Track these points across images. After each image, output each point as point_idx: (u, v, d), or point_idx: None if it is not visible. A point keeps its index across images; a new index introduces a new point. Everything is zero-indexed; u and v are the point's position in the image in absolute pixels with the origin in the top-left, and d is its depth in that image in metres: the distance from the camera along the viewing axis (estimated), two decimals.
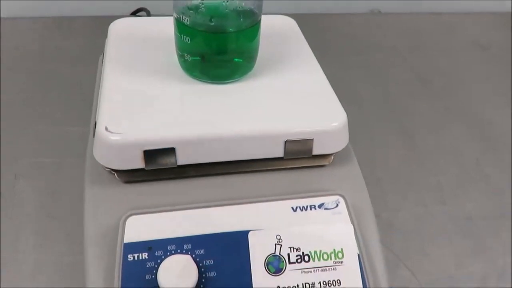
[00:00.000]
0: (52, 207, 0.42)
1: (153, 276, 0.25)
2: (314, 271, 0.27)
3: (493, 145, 0.55)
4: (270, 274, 0.27)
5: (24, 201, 0.43)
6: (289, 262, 0.27)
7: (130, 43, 0.35)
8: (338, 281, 0.27)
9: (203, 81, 0.32)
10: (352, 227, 0.28)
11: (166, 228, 0.27)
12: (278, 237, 0.27)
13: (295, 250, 0.27)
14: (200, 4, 0.30)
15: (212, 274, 0.26)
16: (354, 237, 0.28)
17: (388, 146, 0.53)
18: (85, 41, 0.63)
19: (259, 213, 0.28)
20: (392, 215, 0.45)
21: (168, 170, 0.29)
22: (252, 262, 0.27)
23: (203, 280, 0.26)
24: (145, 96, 0.30)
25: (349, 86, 0.61)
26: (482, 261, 0.42)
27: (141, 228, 0.27)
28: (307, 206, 0.29)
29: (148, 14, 0.54)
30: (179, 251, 0.26)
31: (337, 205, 0.29)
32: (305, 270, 0.27)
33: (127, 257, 0.26)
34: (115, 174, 0.29)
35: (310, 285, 0.27)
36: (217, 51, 0.31)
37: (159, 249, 0.26)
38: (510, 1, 0.81)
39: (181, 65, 0.33)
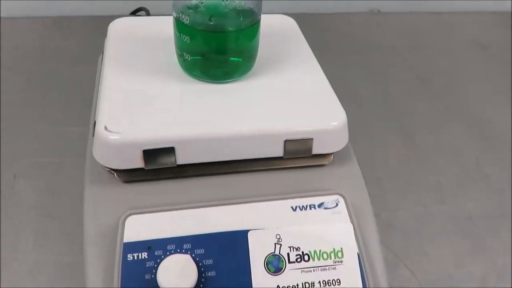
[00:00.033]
0: (52, 207, 0.42)
1: (152, 276, 0.25)
2: (313, 270, 0.27)
3: (493, 145, 0.55)
4: (270, 274, 0.26)
5: (24, 201, 0.43)
6: (289, 262, 0.27)
7: (130, 43, 0.35)
8: (338, 281, 0.27)
9: (203, 81, 0.32)
10: (352, 226, 0.28)
11: (165, 227, 0.27)
12: (278, 237, 0.27)
13: (294, 249, 0.27)
14: (200, 4, 0.30)
15: (211, 273, 0.26)
16: (353, 237, 0.28)
17: (387, 146, 0.53)
18: (85, 41, 0.63)
19: (259, 212, 0.28)
20: (392, 215, 0.45)
21: (167, 169, 0.29)
22: (252, 261, 0.27)
23: (202, 280, 0.26)
24: (144, 95, 0.30)
25: (348, 85, 0.61)
26: (481, 260, 0.42)
27: (141, 227, 0.27)
28: (306, 206, 0.29)
29: (148, 13, 0.54)
30: (178, 250, 0.26)
31: (337, 204, 0.29)
32: (305, 269, 0.27)
33: (127, 257, 0.26)
34: (115, 174, 0.29)
35: (310, 285, 0.27)
36: (216, 50, 0.31)
37: (159, 248, 0.26)
38: (510, 1, 0.81)
39: (180, 64, 0.33)
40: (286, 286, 0.26)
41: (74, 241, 0.39)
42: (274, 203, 0.29)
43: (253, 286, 0.26)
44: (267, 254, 0.27)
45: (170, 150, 0.28)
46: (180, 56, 0.32)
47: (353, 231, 0.28)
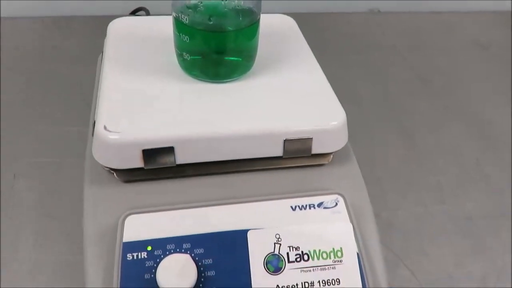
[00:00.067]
0: (52, 207, 0.42)
1: (152, 276, 0.25)
2: (313, 270, 0.27)
3: (493, 145, 0.55)
4: (269, 273, 0.26)
5: (23, 201, 0.43)
6: (288, 261, 0.27)
7: (129, 43, 0.35)
8: (338, 280, 0.27)
9: (202, 80, 0.32)
10: (352, 226, 0.28)
11: (165, 227, 0.27)
12: (277, 236, 0.27)
13: (294, 249, 0.27)
14: (199, 3, 0.30)
15: (211, 273, 0.26)
16: (353, 236, 0.28)
17: (387, 145, 0.53)
18: (85, 41, 0.63)
19: (258, 212, 0.28)
20: (391, 215, 0.45)
21: (167, 169, 0.29)
22: (251, 261, 0.27)
23: (202, 280, 0.26)
24: (144, 95, 0.30)
25: (348, 85, 0.61)
26: (481, 260, 0.42)
27: (140, 227, 0.27)
28: (306, 205, 0.29)
29: (148, 13, 0.54)
30: (178, 250, 0.26)
31: (336, 204, 0.29)
32: (304, 269, 0.27)
33: (126, 257, 0.26)
34: (114, 174, 0.29)
35: (309, 284, 0.26)
36: (216, 50, 0.31)
37: (158, 248, 0.26)
38: (510, 0, 0.81)
39: (180, 64, 0.33)
40: (285, 286, 0.26)
41: (74, 241, 0.39)
42: (273, 202, 0.29)
43: (253, 285, 0.26)
44: (267, 253, 0.27)
45: (170, 150, 0.28)
46: (180, 55, 0.32)
47: (352, 230, 0.28)
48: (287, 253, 0.27)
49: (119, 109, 0.29)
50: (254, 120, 0.30)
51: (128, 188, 0.29)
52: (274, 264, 0.27)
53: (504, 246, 0.43)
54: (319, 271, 0.27)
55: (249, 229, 0.27)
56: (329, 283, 0.27)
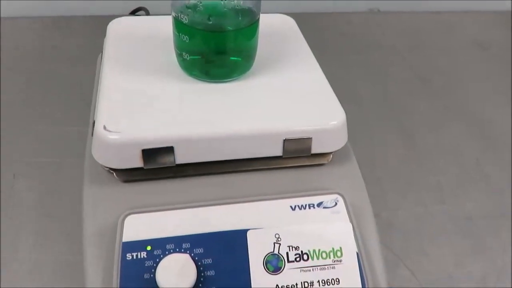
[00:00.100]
0: (52, 207, 0.42)
1: (151, 275, 0.25)
2: (313, 269, 0.27)
3: (493, 144, 0.55)
4: (269, 273, 0.26)
5: (23, 201, 0.43)
6: (288, 261, 0.27)
7: (129, 42, 0.35)
8: (337, 280, 0.27)
9: (202, 80, 0.32)
10: (351, 225, 0.28)
11: (164, 227, 0.27)
12: (277, 236, 0.27)
13: (294, 248, 0.27)
14: (198, 3, 0.30)
15: (210, 273, 0.26)
16: (353, 236, 0.28)
17: (387, 145, 0.53)
18: (84, 41, 0.63)
19: (258, 212, 0.28)
20: (391, 215, 0.45)
21: (166, 169, 0.29)
22: (251, 261, 0.27)
23: (201, 279, 0.26)
24: (143, 95, 0.30)
25: (348, 85, 0.61)
26: (481, 260, 0.42)
27: (140, 227, 0.27)
28: (306, 205, 0.29)
29: (147, 13, 0.54)
30: (177, 250, 0.26)
31: (336, 203, 0.29)
32: (304, 268, 0.27)
33: (126, 256, 0.26)
34: (114, 173, 0.29)
35: (309, 284, 0.26)
36: (215, 49, 0.31)
37: (158, 248, 0.26)
38: (509, 0, 0.81)
39: (179, 64, 0.33)
40: (285, 286, 0.26)
41: (74, 241, 0.39)
42: (273, 202, 0.29)
43: (252, 285, 0.26)
44: (266, 253, 0.27)
45: (169, 150, 0.28)
46: (179, 55, 0.32)
47: (352, 230, 0.28)
48: (287, 253, 0.27)
49: (118, 109, 0.29)
50: (254, 120, 0.30)
51: (127, 188, 0.29)
52: (273, 264, 0.27)
53: (504, 246, 0.43)
54: (318, 271, 0.27)
55: (249, 229, 0.27)
56: (328, 283, 0.27)
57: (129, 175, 0.29)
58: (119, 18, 0.38)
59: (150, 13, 0.53)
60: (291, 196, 0.29)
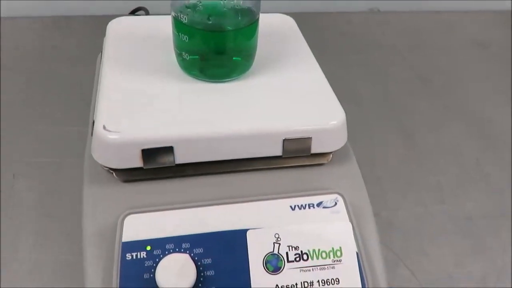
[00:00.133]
0: (52, 207, 0.42)
1: (151, 275, 0.25)
2: (312, 269, 0.27)
3: (493, 144, 0.54)
4: (269, 273, 0.26)
5: (23, 201, 0.43)
6: (288, 261, 0.27)
7: (128, 42, 0.35)
8: (337, 280, 0.27)
9: (201, 80, 0.32)
10: (351, 225, 0.28)
11: (164, 227, 0.27)
12: (277, 236, 0.27)
13: (293, 248, 0.27)
14: (198, 3, 0.30)
15: (210, 273, 0.26)
16: (352, 236, 0.28)
17: (387, 145, 0.53)
18: (84, 41, 0.63)
19: (258, 211, 0.28)
20: (391, 214, 0.45)
21: (166, 169, 0.29)
22: (251, 261, 0.27)
23: (201, 279, 0.26)
24: (143, 95, 0.30)
25: (348, 84, 0.61)
26: (481, 260, 0.42)
27: (139, 227, 0.27)
28: (305, 205, 0.29)
29: (147, 13, 0.54)
30: (177, 250, 0.26)
31: (336, 203, 0.29)
32: (304, 268, 0.27)
33: (125, 256, 0.26)
34: (114, 173, 0.29)
35: (309, 284, 0.26)
36: (215, 49, 0.31)
37: (158, 248, 0.26)
38: (509, 0, 0.81)
39: (179, 64, 0.33)
40: (285, 285, 0.26)
41: (74, 240, 0.39)
42: (273, 202, 0.29)
43: (252, 285, 0.26)
44: (266, 253, 0.27)
45: (169, 150, 0.28)
46: (179, 55, 0.32)
47: (352, 230, 0.28)
48: (287, 253, 0.27)
49: (118, 108, 0.29)
50: (254, 119, 0.30)
51: (127, 187, 0.29)
52: (273, 264, 0.27)
53: (504, 246, 0.43)
54: (318, 270, 0.27)
55: (249, 229, 0.27)
56: (328, 283, 0.27)
57: (128, 175, 0.29)
58: (118, 18, 0.38)
59: (150, 13, 0.53)
60: (291, 196, 0.29)
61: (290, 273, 0.27)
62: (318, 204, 0.29)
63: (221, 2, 0.30)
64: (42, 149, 0.48)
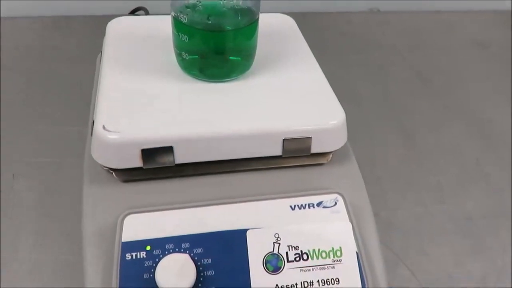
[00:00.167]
0: (52, 207, 0.42)
1: (151, 275, 0.25)
2: (312, 269, 0.27)
3: (493, 144, 0.54)
4: (269, 273, 0.26)
5: (23, 201, 0.43)
6: (288, 261, 0.27)
7: (128, 42, 0.35)
8: (337, 280, 0.27)
9: (201, 80, 0.32)
10: (351, 225, 0.28)
11: (164, 227, 0.27)
12: (277, 236, 0.27)
13: (293, 248, 0.27)
14: (198, 3, 0.30)
15: (210, 273, 0.26)
16: (352, 236, 0.28)
17: (387, 145, 0.53)
18: (84, 40, 0.63)
19: (258, 211, 0.28)
20: (391, 214, 0.45)
21: (166, 169, 0.29)
22: (251, 260, 0.27)
23: (201, 279, 0.26)
24: (143, 94, 0.30)
25: (348, 84, 0.61)
26: (481, 260, 0.42)
27: (139, 227, 0.27)
28: (305, 205, 0.29)
29: (147, 13, 0.54)
30: (177, 250, 0.26)
31: (336, 203, 0.29)
32: (304, 268, 0.27)
33: (125, 256, 0.26)
34: (113, 173, 0.29)
35: (309, 284, 0.26)
36: (215, 49, 0.31)
37: (157, 248, 0.26)
38: (509, 0, 0.81)
39: (179, 63, 0.33)
40: (285, 285, 0.26)
41: (74, 240, 0.39)
42: (273, 202, 0.29)
43: (252, 285, 0.26)
44: (266, 253, 0.27)
45: (169, 149, 0.28)
46: (179, 55, 0.32)
47: (352, 230, 0.28)
48: (286, 253, 0.27)
49: (118, 108, 0.29)
50: (253, 119, 0.29)
51: (127, 187, 0.29)
52: (273, 264, 0.27)
53: (504, 246, 0.43)
54: (318, 270, 0.27)
55: (248, 229, 0.27)
56: (328, 283, 0.27)
57: (128, 175, 0.29)
58: (118, 18, 0.38)
59: (150, 13, 0.53)
60: (291, 196, 0.29)
61: (290, 273, 0.27)
62: (318, 204, 0.29)
63: (221, 2, 0.30)
64: (42, 149, 0.48)
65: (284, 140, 0.29)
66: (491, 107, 0.60)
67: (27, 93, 0.55)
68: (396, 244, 0.42)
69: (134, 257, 0.26)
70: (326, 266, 0.27)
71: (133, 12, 0.54)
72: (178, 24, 0.31)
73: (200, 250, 0.26)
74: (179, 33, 0.31)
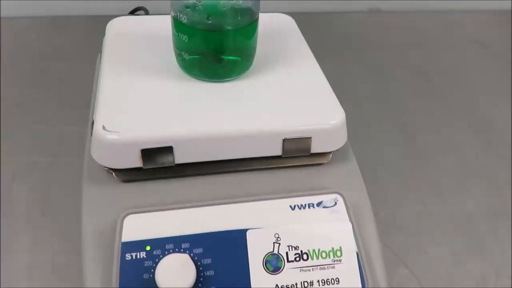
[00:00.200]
0: (51, 207, 0.42)
1: (151, 275, 0.25)
2: (312, 269, 0.27)
3: (493, 143, 0.54)
4: (269, 273, 0.26)
5: (21, 201, 0.43)
6: (288, 261, 0.27)
7: (128, 42, 0.35)
8: (337, 280, 0.27)
9: (201, 80, 0.32)
10: (351, 225, 0.28)
11: (164, 227, 0.27)
12: (277, 236, 0.27)
13: (293, 248, 0.27)
14: (198, 3, 0.30)
15: (210, 273, 0.26)
16: (352, 236, 0.28)
17: (387, 144, 0.53)
18: (84, 40, 0.63)
19: (258, 211, 0.28)
20: (391, 214, 0.45)
21: (166, 169, 0.29)
22: (251, 260, 0.27)
23: (201, 279, 0.26)
24: (142, 94, 0.30)
25: (348, 84, 0.61)
26: (481, 259, 0.42)
27: (139, 227, 0.27)
28: (305, 205, 0.29)
29: (147, 13, 0.54)
30: (177, 250, 0.26)
31: (336, 203, 0.29)
32: (304, 268, 0.27)
33: (125, 256, 0.26)
34: (113, 173, 0.29)
35: (309, 284, 0.26)
36: (214, 49, 0.31)
37: (157, 248, 0.26)
38: (509, 0, 0.81)
39: (179, 63, 0.33)
40: (285, 285, 0.26)
41: (73, 241, 0.39)
42: (272, 202, 0.29)
43: (252, 285, 0.26)
44: (266, 253, 0.27)
45: (169, 149, 0.28)
46: (179, 55, 0.32)
47: (352, 230, 0.28)
48: (286, 253, 0.27)
49: (117, 108, 0.29)
50: (253, 119, 0.29)
51: (126, 188, 0.29)
52: (273, 264, 0.27)
53: (504, 246, 0.43)
54: (318, 270, 0.27)
55: (248, 229, 0.27)
56: (328, 283, 0.27)
57: (128, 175, 0.29)
58: (118, 18, 0.38)
59: (150, 12, 0.53)
60: (291, 196, 0.29)
61: (290, 273, 0.27)
62: (318, 204, 0.29)
63: (221, 2, 0.30)
64: (42, 149, 0.48)
65: (284, 140, 0.29)
66: (491, 106, 0.60)
67: (27, 93, 0.55)
68: (396, 243, 0.42)
69: (134, 257, 0.26)
70: (326, 266, 0.27)
71: (133, 12, 0.54)
72: (178, 24, 0.31)
73: (200, 250, 0.26)
74: (179, 33, 0.31)
